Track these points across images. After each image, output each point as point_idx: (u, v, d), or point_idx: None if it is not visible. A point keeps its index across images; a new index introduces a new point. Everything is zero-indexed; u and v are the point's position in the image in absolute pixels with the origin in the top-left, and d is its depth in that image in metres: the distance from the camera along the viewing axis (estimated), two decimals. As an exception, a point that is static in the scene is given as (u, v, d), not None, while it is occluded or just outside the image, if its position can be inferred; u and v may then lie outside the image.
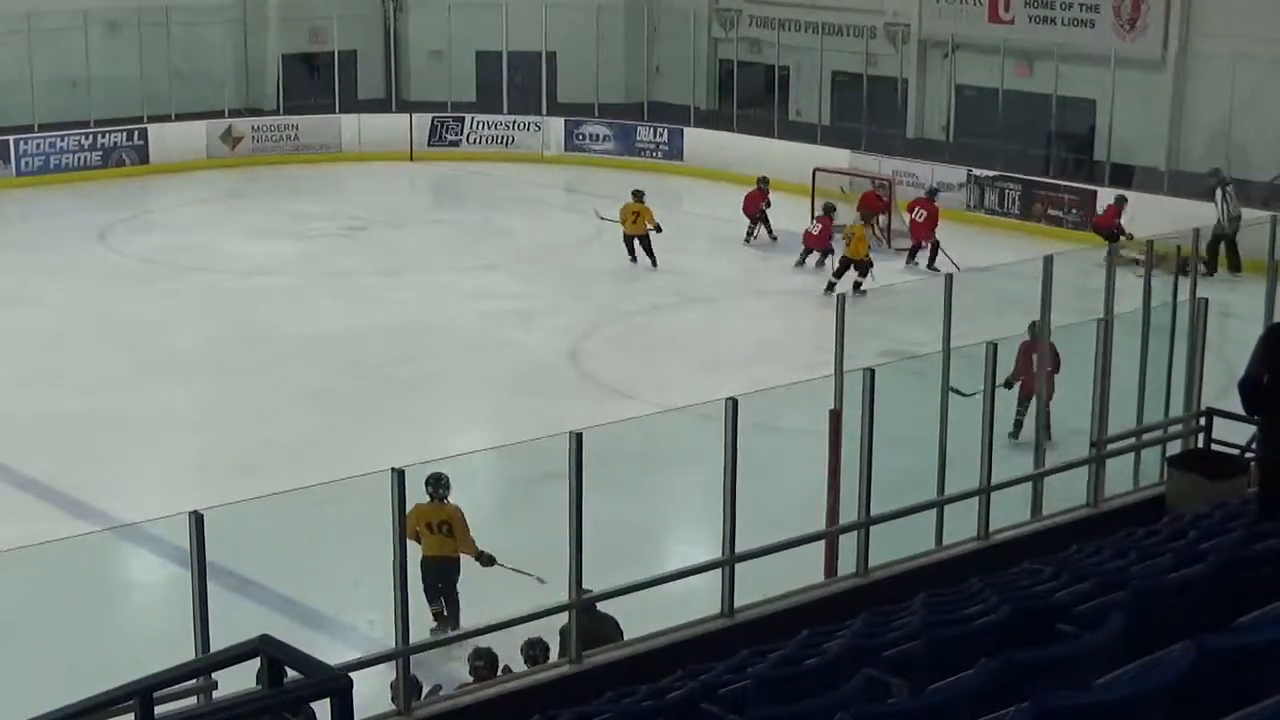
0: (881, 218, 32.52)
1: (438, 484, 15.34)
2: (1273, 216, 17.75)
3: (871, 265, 28.19)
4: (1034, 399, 16.82)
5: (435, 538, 15.10)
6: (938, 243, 30.07)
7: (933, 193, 31.73)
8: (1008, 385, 17.57)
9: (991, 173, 34.84)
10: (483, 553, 15.27)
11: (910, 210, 31.51)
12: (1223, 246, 28.29)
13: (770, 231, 32.30)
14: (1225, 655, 4.03)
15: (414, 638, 10.87)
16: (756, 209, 32.30)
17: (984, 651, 5.87)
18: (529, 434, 19.69)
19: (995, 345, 13.60)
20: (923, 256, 30.40)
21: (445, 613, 15.09)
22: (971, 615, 7.88)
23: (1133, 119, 33.96)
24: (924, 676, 5.97)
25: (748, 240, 32.20)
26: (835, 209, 30.70)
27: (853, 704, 5.64)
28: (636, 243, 30.09)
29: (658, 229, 29.96)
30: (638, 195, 30.45)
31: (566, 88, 41.79)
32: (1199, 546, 8.27)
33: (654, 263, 29.98)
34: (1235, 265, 27.82)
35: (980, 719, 4.63)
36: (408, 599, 10.60)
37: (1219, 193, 28.86)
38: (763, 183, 32.48)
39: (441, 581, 15.22)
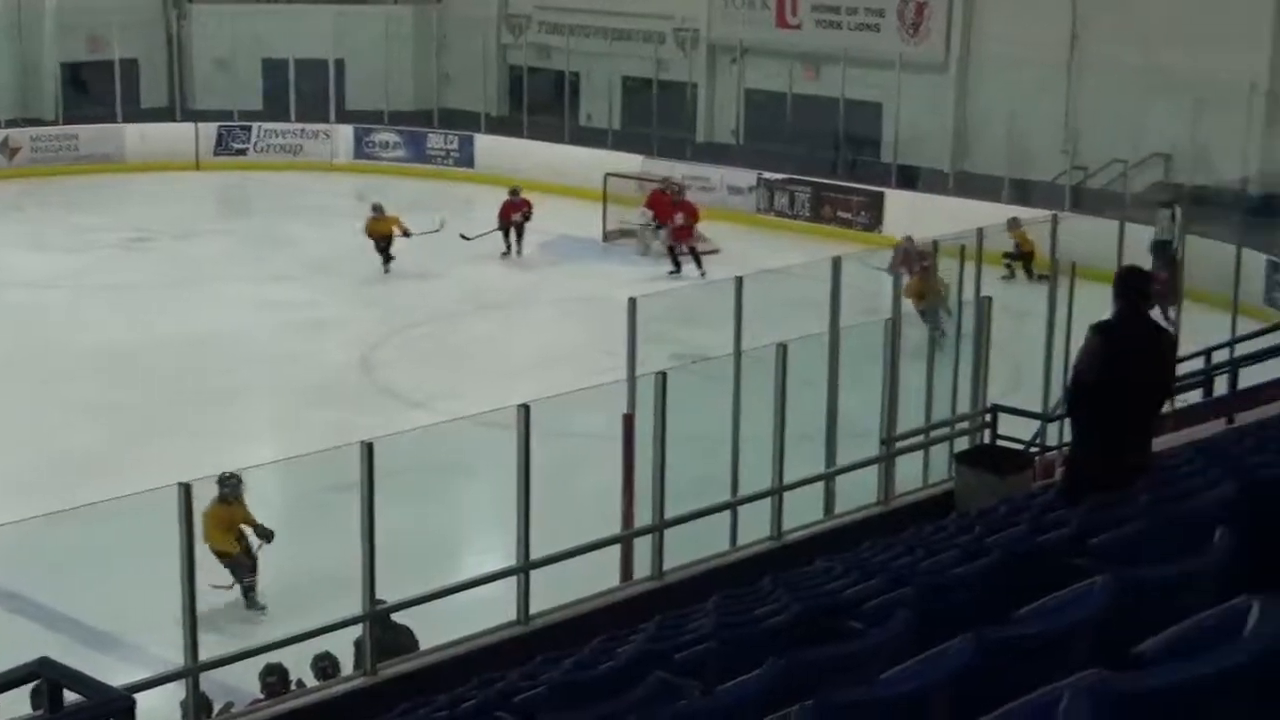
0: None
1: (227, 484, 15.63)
2: (1053, 216, 18.21)
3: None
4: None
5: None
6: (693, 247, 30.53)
7: (662, 188, 31.80)
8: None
9: (781, 176, 35.28)
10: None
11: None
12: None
13: (518, 245, 32.13)
14: (1004, 646, 4.09)
15: (204, 654, 10.71)
16: (508, 219, 32.06)
17: (774, 651, 5.91)
18: (322, 445, 19.56)
19: (785, 347, 13.73)
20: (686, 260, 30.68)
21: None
22: (762, 615, 7.93)
23: (918, 121, 34.59)
24: (715, 678, 5.99)
25: (505, 253, 31.94)
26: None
27: (643, 707, 5.64)
28: (374, 247, 30.43)
29: (405, 234, 30.24)
30: (378, 209, 30.52)
31: (355, 95, 41.54)
32: (984, 541, 8.41)
33: (388, 267, 30.40)
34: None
35: (768, 718, 4.64)
36: (195, 615, 10.44)
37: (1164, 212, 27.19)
38: (513, 193, 32.25)
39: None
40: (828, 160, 35.96)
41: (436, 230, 30.02)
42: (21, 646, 9.05)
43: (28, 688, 6.75)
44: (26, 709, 8.29)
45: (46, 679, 6.34)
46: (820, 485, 14.19)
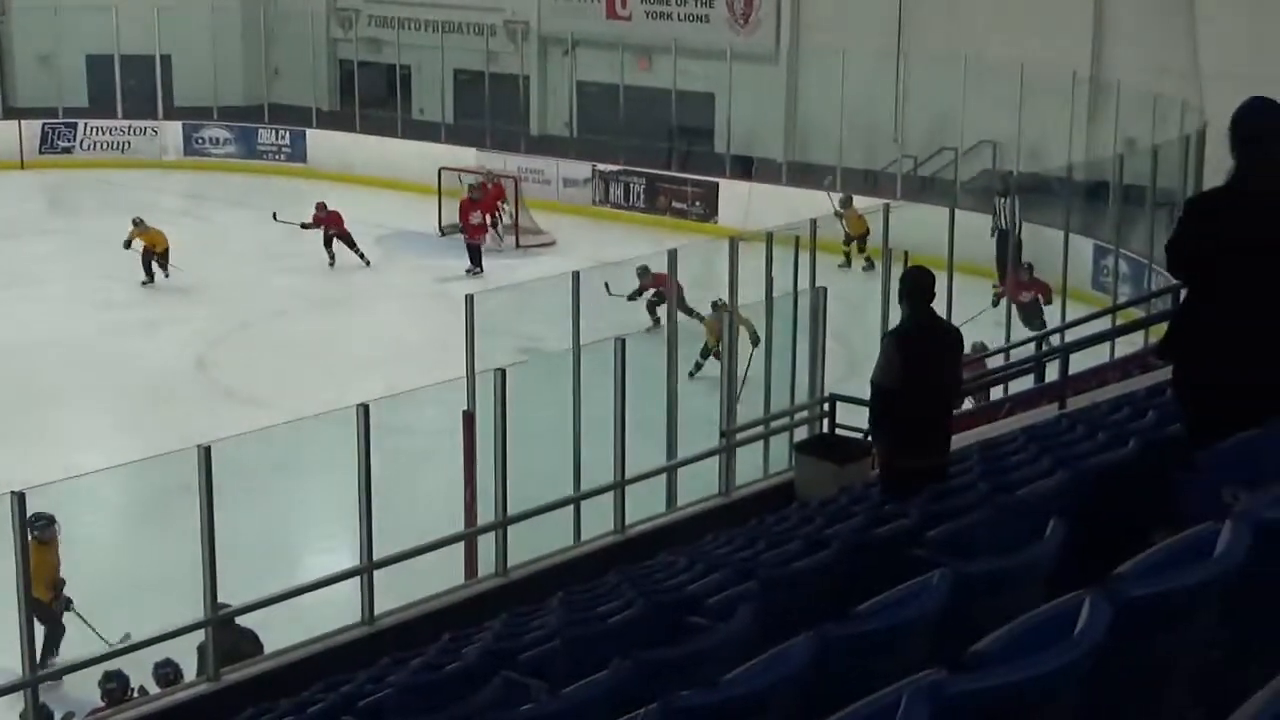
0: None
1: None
2: (885, 205, 18.45)
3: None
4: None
5: None
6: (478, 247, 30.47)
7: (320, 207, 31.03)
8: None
9: (615, 167, 35.34)
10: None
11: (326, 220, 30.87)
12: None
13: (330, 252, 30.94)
14: (844, 644, 4.17)
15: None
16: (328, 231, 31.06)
17: (620, 649, 5.97)
18: (160, 447, 19.32)
19: (624, 340, 13.81)
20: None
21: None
22: (608, 612, 7.99)
23: (751, 111, 34.78)
24: (562, 678, 6.03)
25: (332, 263, 30.84)
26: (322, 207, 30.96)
27: (490, 709, 5.68)
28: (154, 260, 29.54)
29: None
30: (138, 222, 29.90)
31: (183, 91, 40.93)
32: (825, 532, 8.53)
33: (164, 274, 29.59)
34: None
35: None
36: (34, 625, 10.33)
37: (1000, 201, 27.29)
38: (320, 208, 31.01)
39: None
40: (662, 151, 36.13)
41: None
42: None
43: None
44: None
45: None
46: (662, 478, 14.31)
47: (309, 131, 39.91)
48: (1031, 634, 3.45)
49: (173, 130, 40.45)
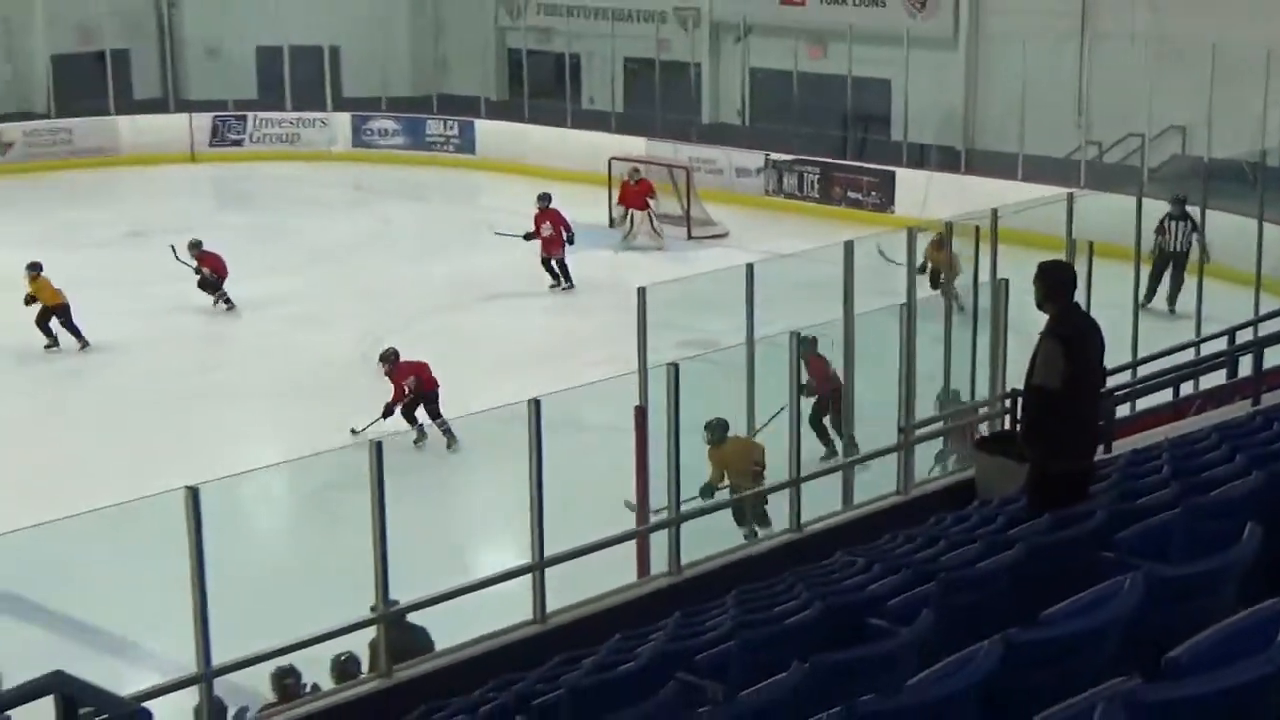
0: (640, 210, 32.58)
1: None
2: (1069, 194, 18.20)
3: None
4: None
5: None
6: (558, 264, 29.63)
7: (544, 199, 30.26)
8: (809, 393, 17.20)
9: (789, 156, 35.19)
10: None
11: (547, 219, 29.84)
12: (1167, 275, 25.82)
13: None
14: (1033, 649, 4.13)
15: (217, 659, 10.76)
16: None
17: (797, 651, 5.95)
18: (326, 443, 19.60)
19: (799, 334, 13.76)
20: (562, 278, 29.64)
21: None
22: (785, 613, 7.97)
23: (929, 98, 34.46)
24: (737, 680, 6.03)
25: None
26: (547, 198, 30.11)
27: (666, 712, 5.69)
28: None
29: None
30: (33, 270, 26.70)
31: (352, 82, 41.51)
32: (1007, 533, 8.45)
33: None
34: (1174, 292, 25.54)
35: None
36: (207, 619, 10.48)
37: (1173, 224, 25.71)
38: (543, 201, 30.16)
39: None
40: (837, 139, 35.97)
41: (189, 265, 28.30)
42: (34, 653, 9.12)
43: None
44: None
45: (60, 694, 6.37)
46: (838, 475, 14.24)
47: (478, 122, 40.20)
48: (1229, 642, 3.40)
49: (341, 122, 40.99)
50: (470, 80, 41.63)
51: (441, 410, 21.20)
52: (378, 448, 10.99)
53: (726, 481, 16.47)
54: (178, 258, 27.79)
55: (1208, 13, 29.98)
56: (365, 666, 12.09)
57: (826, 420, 19.25)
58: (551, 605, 11.94)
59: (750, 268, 14.60)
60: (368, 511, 11.02)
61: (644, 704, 6.29)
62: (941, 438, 15.03)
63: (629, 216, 32.51)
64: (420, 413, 21.67)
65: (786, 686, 5.29)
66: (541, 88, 40.71)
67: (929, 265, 22.03)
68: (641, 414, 13.96)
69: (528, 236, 29.21)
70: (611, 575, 12.90)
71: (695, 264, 28.78)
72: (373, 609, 11.19)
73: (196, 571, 10.34)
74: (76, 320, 25.40)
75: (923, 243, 15.29)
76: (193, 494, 10.20)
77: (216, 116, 41.04)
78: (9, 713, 8.24)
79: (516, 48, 42.19)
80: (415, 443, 20.96)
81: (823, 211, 33.80)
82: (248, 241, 32.70)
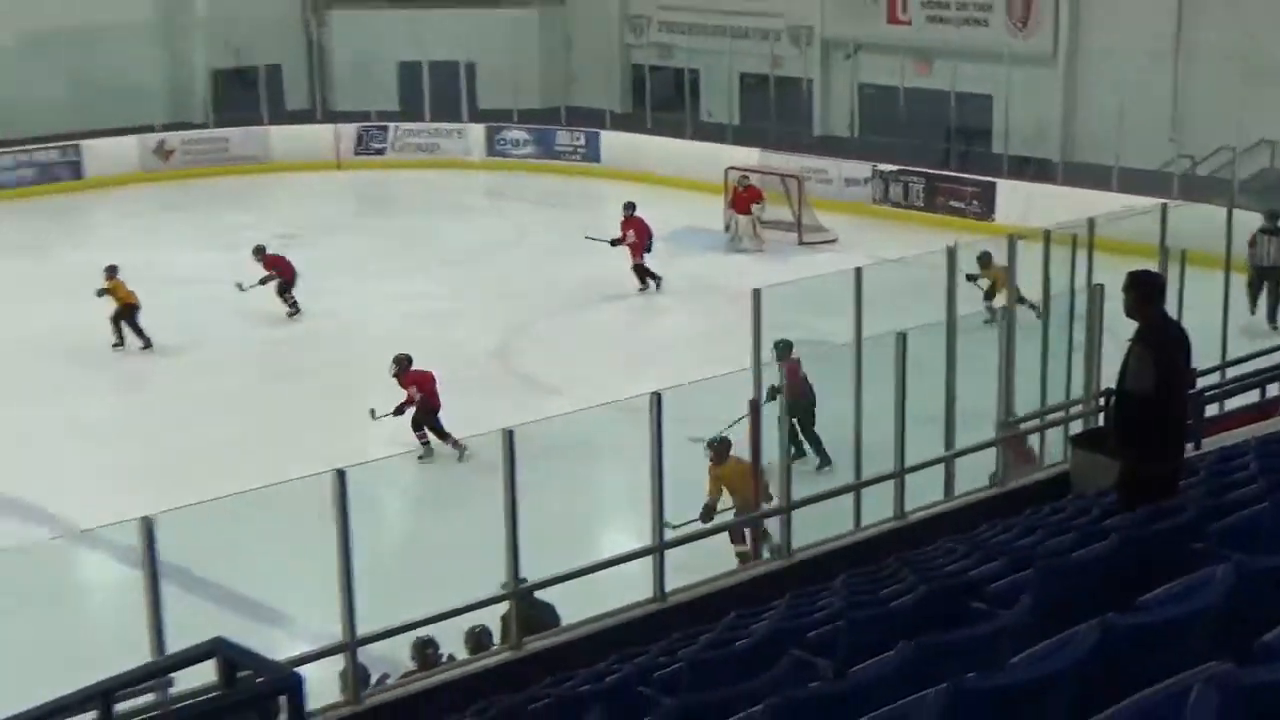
0: (754, 210, 32.52)
1: None
2: (1162, 205, 17.99)
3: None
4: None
5: None
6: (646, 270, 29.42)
7: (630, 206, 30.00)
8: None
9: (895, 167, 35.02)
10: None
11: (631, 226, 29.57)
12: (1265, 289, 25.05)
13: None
14: (1129, 633, 4.12)
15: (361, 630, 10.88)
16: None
17: (903, 631, 5.96)
18: (461, 432, 19.77)
19: (905, 335, 13.71)
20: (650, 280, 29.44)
21: None
22: (890, 595, 7.96)
23: (1028, 112, 34.24)
24: (846, 658, 6.04)
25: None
26: (634, 205, 29.89)
27: (780, 687, 5.71)
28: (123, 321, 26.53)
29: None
30: (110, 271, 26.88)
31: (486, 95, 41.71)
32: (1102, 524, 8.38)
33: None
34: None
35: (901, 700, 4.69)
36: (353, 592, 10.60)
37: (1265, 239, 24.88)
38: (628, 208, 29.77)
39: None
40: (940, 151, 35.73)
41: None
42: (198, 621, 9.25)
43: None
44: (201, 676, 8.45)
45: (222, 657, 6.48)
46: (940, 467, 14.18)
47: (603, 133, 40.29)
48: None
49: (476, 133, 41.20)
50: (596, 94, 41.79)
51: (443, 425, 20.66)
52: (509, 436, 11.07)
53: (730, 503, 16.04)
54: (243, 289, 27.30)
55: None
56: (497, 639, 12.17)
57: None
58: (670, 585, 11.99)
59: (859, 271, 14.54)
60: (500, 496, 11.13)
61: (758, 678, 6.31)
62: (996, 460, 14.82)
63: (734, 221, 32.59)
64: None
65: (892, 664, 5.30)
66: (662, 101, 40.74)
67: (984, 284, 22.11)
68: (755, 407, 13.98)
69: (614, 242, 29.15)
70: (727, 558, 12.95)
71: (806, 267, 28.63)
72: (504, 586, 11.29)
73: (342, 548, 10.47)
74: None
75: (1026, 256, 15.11)
76: (340, 476, 10.33)
77: (361, 127, 41.42)
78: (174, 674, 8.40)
79: (640, 64, 42.20)
80: (420, 459, 20.55)
81: (926, 219, 33.60)
82: (387, 243, 33.06)
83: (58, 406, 22.72)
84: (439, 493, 18.92)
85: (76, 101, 38.94)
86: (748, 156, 35.65)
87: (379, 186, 39.42)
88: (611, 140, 40.08)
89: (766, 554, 14.42)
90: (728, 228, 32.81)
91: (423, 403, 20.74)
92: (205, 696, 6.77)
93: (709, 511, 15.84)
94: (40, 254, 31.56)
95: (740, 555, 15.22)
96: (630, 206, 29.64)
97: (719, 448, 16.11)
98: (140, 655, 9.17)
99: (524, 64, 42.07)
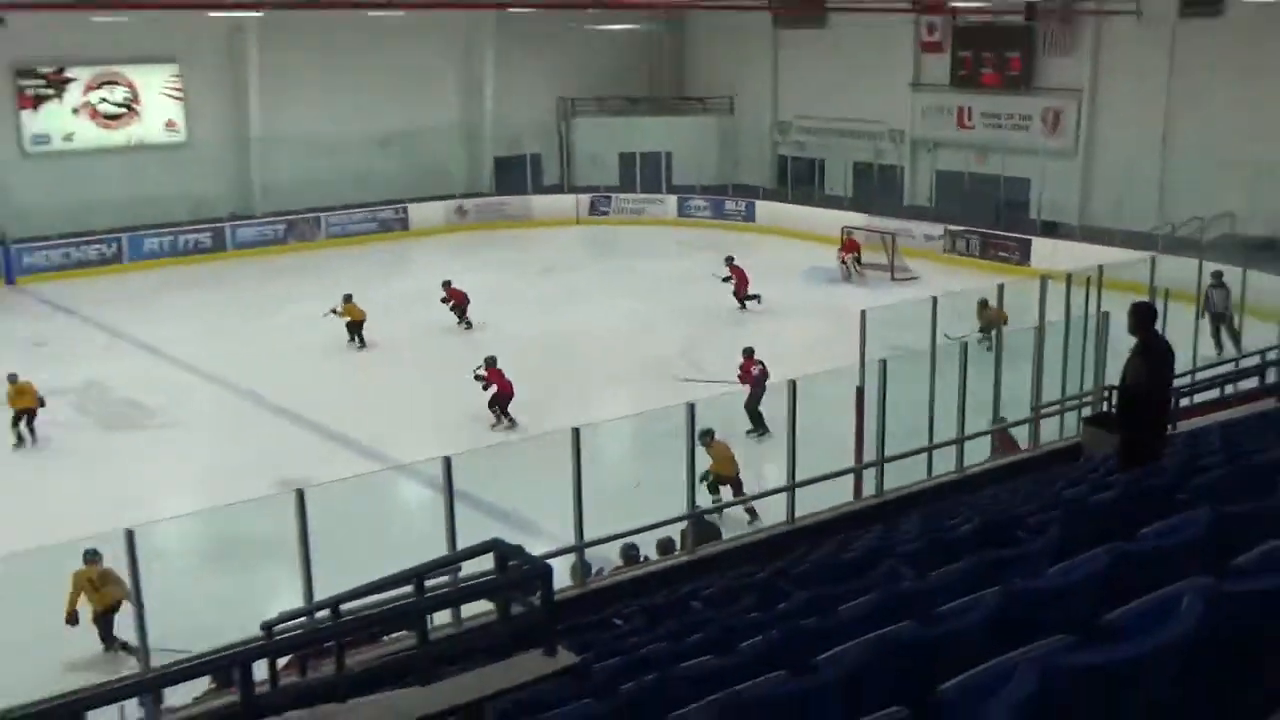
0: (854, 255, 32.47)
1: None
2: (1151, 257, 17.46)
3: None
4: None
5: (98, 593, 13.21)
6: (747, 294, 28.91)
7: (730, 259, 29.43)
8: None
9: (960, 227, 34.41)
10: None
11: (733, 271, 29.10)
12: (1221, 329, 23.46)
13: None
14: (1134, 556, 3.97)
15: (586, 536, 10.92)
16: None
17: (965, 551, 5.83)
18: (657, 404, 19.76)
19: (965, 344, 13.48)
20: (751, 304, 28.88)
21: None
22: (954, 525, 7.81)
23: (1055, 190, 33.57)
24: (926, 566, 5.92)
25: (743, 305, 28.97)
26: (733, 257, 29.42)
27: (880, 585, 5.62)
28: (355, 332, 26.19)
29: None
30: (348, 297, 26.51)
31: (678, 174, 41.75)
32: (1106, 479, 8.14)
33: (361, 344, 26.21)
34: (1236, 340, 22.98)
35: (965, 596, 4.57)
36: (582, 513, 10.65)
37: (1214, 292, 23.34)
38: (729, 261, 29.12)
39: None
40: (991, 217, 34.99)
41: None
42: (478, 529, 9.37)
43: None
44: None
45: (497, 552, 6.54)
46: (988, 436, 13.92)
47: (757, 202, 39.98)
48: (1274, 554, 3.22)
49: (670, 201, 41.19)
50: (753, 175, 41.64)
51: (510, 410, 20.68)
52: (691, 408, 11.06)
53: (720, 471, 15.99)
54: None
55: (1255, 134, 28.66)
56: (678, 546, 12.18)
57: (761, 407, 19.57)
58: (799, 512, 11.90)
59: (934, 299, 14.34)
60: (684, 449, 11.13)
61: (864, 578, 6.23)
62: (991, 445, 14.45)
63: (843, 262, 32.35)
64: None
65: (959, 572, 5.18)
66: (798, 180, 40.42)
67: (981, 319, 21.62)
68: (860, 393, 13.82)
69: (725, 280, 28.93)
70: (837, 495, 12.78)
71: (896, 296, 28.31)
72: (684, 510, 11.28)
73: (576, 481, 10.54)
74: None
75: (1053, 291, 14.74)
76: (575, 433, 10.40)
77: (593, 195, 41.63)
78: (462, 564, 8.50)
79: (783, 154, 41.99)
80: (492, 428, 20.40)
81: (980, 264, 32.98)
82: (609, 275, 33.24)
83: (388, 376, 23.19)
84: (645, 446, 18.91)
85: (406, 177, 39.82)
86: (856, 219, 35.26)
87: (604, 237, 39.65)
88: (763, 207, 39.76)
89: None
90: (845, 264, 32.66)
91: (500, 391, 20.83)
92: (484, 579, 6.85)
93: (708, 478, 15.63)
94: (380, 281, 32.26)
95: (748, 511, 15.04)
96: (730, 259, 29.45)
97: (705, 436, 15.50)
98: (440, 549, 9.32)
99: (705, 154, 42.09)
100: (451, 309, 27.61)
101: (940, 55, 37.25)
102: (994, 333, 18.75)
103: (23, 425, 20.61)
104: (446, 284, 27.91)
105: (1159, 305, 14.50)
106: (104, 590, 12.95)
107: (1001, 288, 14.89)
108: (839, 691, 3.20)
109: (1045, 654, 2.88)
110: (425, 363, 24.77)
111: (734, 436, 18.02)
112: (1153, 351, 9.09)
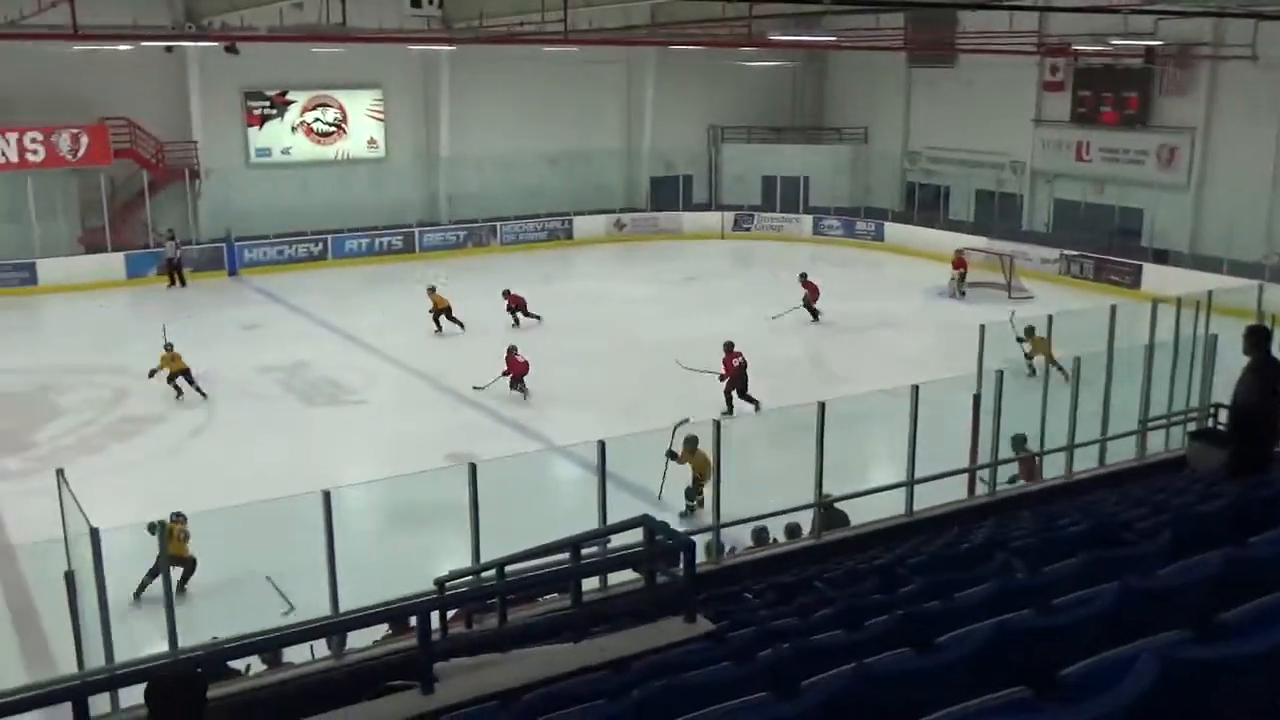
0: (961, 272, 31.59)
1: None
2: (1259, 284, 16.69)
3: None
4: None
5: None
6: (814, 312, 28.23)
7: (804, 275, 28.77)
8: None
9: (1075, 252, 33.37)
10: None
11: (805, 286, 28.49)
12: None
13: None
14: (1245, 562, 3.78)
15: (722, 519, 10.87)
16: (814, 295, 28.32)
17: (1077, 548, 5.62)
18: (786, 402, 19.58)
19: (1080, 359, 13.05)
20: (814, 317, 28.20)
21: None
22: (1064, 525, 7.56)
23: (1167, 221, 32.36)
24: (1039, 561, 5.73)
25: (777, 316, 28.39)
26: (807, 274, 28.77)
27: (996, 576, 5.46)
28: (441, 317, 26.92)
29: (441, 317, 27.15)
30: (431, 289, 27.21)
31: (814, 197, 41.42)
32: (1211, 489, 7.79)
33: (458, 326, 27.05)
34: None
35: (1078, 591, 4.41)
36: (719, 496, 10.60)
37: None
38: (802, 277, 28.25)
39: None
40: (1105, 243, 33.88)
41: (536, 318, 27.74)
42: (625, 506, 9.41)
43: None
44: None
45: (646, 526, 6.56)
46: (1097, 445, 13.42)
47: (886, 224, 39.36)
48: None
49: (807, 220, 40.83)
50: (883, 199, 41.03)
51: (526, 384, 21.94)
52: (822, 407, 10.91)
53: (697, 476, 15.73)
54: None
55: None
56: (805, 531, 12.04)
57: (735, 391, 20.62)
58: (917, 507, 11.67)
59: (1050, 318, 13.91)
60: (813, 444, 10.97)
61: (979, 569, 6.06)
62: (1016, 470, 13.87)
63: (952, 278, 31.68)
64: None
65: (1073, 568, 5.00)
66: (924, 204, 39.71)
67: (1028, 348, 20.89)
68: (977, 400, 13.47)
69: (808, 308, 28.35)
70: (952, 491, 12.49)
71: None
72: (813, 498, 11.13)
73: (714, 469, 10.50)
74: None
75: (1163, 313, 14.18)
76: (716, 425, 10.36)
77: (737, 213, 41.48)
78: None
79: (912, 181, 41.26)
80: (513, 389, 21.86)
81: (1094, 287, 31.92)
82: (750, 285, 33.07)
83: (546, 365, 23.43)
84: (777, 438, 18.76)
85: (572, 193, 40.25)
86: (977, 241, 34.47)
87: (746, 251, 39.48)
88: (892, 228, 39.09)
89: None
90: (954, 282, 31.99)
91: (516, 374, 21.87)
92: (634, 549, 6.88)
93: (690, 489, 15.72)
94: (545, 282, 32.67)
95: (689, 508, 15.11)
96: (803, 275, 28.60)
97: (690, 441, 15.55)
98: (587, 523, 9.36)
99: (839, 178, 41.62)
100: (511, 311, 27.76)
101: (1062, 94, 36.15)
102: (1041, 361, 18.29)
103: (179, 381, 21.92)
104: (506, 292, 27.98)
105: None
106: (182, 545, 13.38)
107: (1114, 309, 14.33)
108: (963, 670, 3.11)
109: (1165, 646, 2.75)
110: (578, 353, 24.95)
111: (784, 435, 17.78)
112: (1265, 371, 8.69)
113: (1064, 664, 2.91)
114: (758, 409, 20.72)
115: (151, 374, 21.93)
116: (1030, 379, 16.98)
